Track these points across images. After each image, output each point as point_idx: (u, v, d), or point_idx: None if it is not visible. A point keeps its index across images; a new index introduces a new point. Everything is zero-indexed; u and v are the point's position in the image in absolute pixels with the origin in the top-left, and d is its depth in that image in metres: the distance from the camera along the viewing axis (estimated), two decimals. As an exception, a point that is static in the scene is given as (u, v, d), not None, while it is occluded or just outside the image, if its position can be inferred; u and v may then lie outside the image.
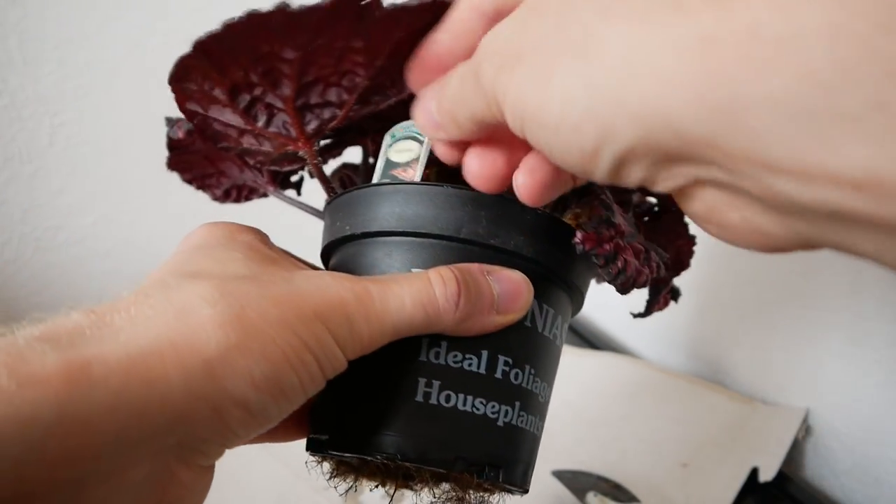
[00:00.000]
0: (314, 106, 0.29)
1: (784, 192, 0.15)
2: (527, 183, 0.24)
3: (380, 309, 0.24)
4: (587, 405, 0.61)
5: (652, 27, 0.16)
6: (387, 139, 0.30)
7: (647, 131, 0.16)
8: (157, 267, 0.25)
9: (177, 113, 0.32)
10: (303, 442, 0.32)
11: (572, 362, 0.67)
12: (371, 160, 0.37)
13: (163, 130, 0.38)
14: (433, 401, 0.25)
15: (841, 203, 0.14)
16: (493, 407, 0.26)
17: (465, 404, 0.26)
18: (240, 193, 0.39)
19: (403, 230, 0.27)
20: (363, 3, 0.24)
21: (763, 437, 0.54)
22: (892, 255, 0.15)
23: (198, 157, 0.36)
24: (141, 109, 0.69)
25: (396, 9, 0.25)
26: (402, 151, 0.29)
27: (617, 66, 0.16)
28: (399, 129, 0.30)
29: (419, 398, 0.25)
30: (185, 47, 0.27)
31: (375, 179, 0.29)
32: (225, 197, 0.40)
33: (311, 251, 0.32)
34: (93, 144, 0.68)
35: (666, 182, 0.19)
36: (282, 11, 0.24)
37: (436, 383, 0.26)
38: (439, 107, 0.24)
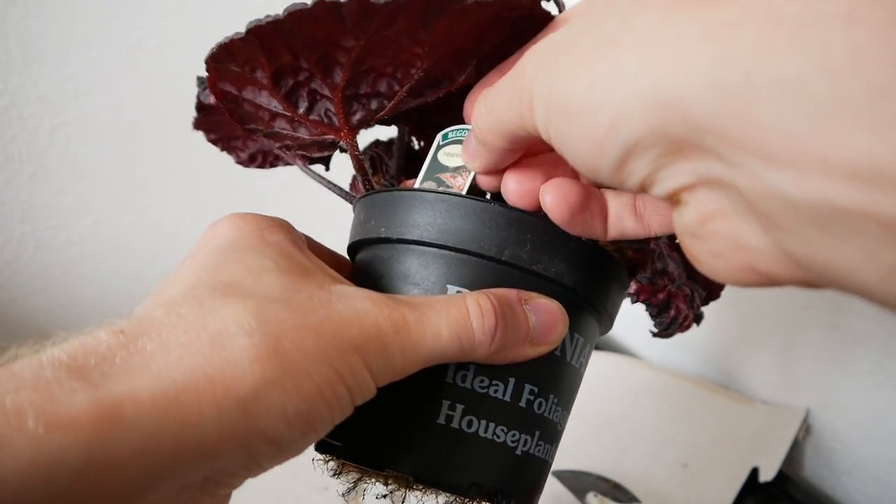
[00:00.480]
0: (362, 96, 0.28)
1: (777, 186, 0.15)
2: (555, 200, 0.24)
3: (415, 340, 0.23)
4: (587, 405, 0.61)
5: (678, 14, 0.16)
6: (438, 138, 0.29)
7: (658, 116, 0.16)
8: (183, 264, 0.24)
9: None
10: None
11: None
12: (406, 139, 0.36)
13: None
14: (455, 424, 0.25)
15: (832, 197, 0.14)
16: (514, 435, 0.26)
17: (486, 431, 0.25)
18: (265, 159, 0.38)
19: (444, 243, 0.26)
20: None
21: (763, 437, 0.54)
22: (872, 267, 0.14)
23: (226, 118, 0.34)
24: (141, 109, 0.69)
25: (472, 3, 0.24)
26: (453, 156, 0.29)
27: (638, 50, 0.17)
28: (452, 130, 0.29)
29: (441, 420, 0.25)
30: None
31: (420, 178, 0.29)
32: (250, 161, 0.38)
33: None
34: (93, 144, 0.68)
35: (665, 182, 0.19)
36: (357, 0, 0.23)
37: (459, 407, 0.25)
38: (474, 127, 0.25)
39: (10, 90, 0.61)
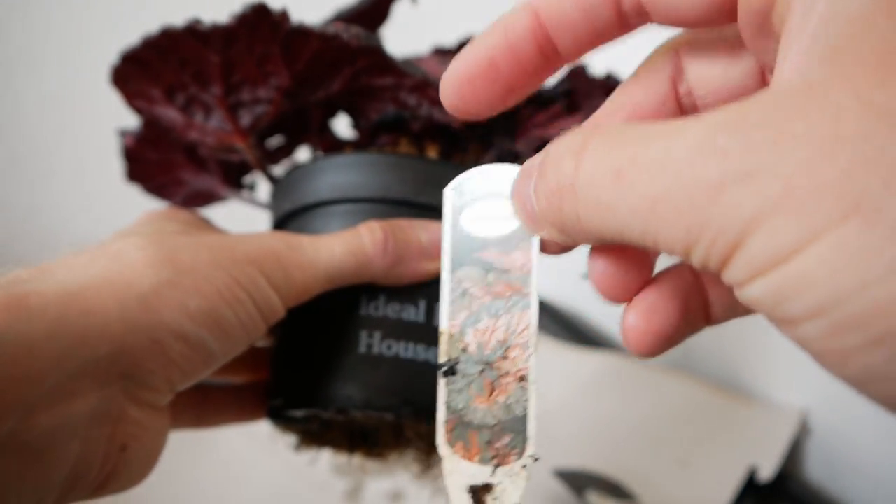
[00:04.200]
0: (246, 103, 0.31)
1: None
2: (639, 327, 0.19)
3: (311, 256, 0.25)
4: (586, 404, 0.61)
5: None
6: (450, 197, 0.21)
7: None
8: None
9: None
10: None
11: (571, 361, 0.68)
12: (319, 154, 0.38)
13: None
14: (375, 351, 0.27)
15: None
16: (435, 353, 0.27)
17: (406, 352, 0.27)
18: (199, 198, 0.41)
19: (338, 198, 0.29)
20: (275, 17, 0.27)
21: (763, 437, 0.55)
22: None
23: (152, 166, 0.39)
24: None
25: (306, 27, 0.27)
26: (489, 219, 0.21)
27: None
28: (468, 178, 0.21)
29: (362, 349, 0.27)
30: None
31: (447, 265, 0.21)
32: (185, 203, 0.42)
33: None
34: (97, 145, 0.68)
35: None
36: (190, 29, 0.27)
37: (377, 334, 0.27)
38: (548, 211, 0.17)
39: (14, 91, 0.61)
